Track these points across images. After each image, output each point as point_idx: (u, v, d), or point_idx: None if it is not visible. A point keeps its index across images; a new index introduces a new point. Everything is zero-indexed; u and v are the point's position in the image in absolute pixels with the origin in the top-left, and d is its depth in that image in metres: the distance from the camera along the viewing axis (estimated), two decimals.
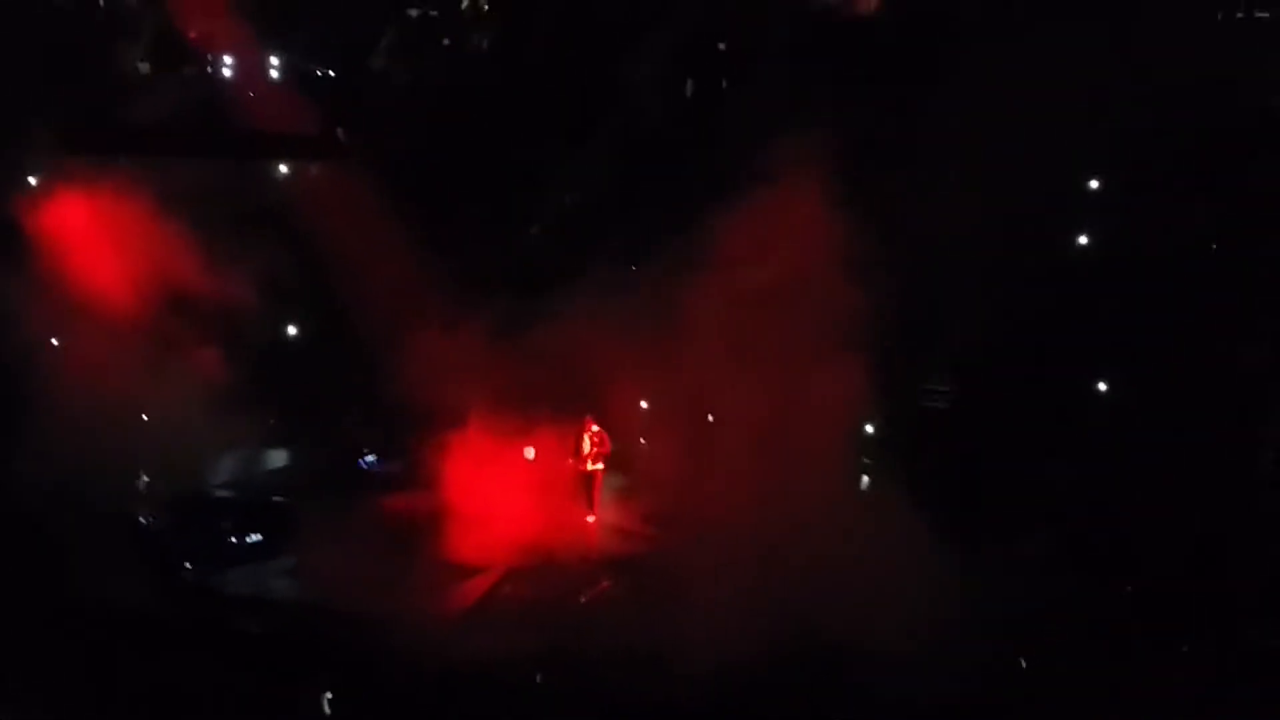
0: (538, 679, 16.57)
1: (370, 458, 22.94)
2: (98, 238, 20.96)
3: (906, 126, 20.82)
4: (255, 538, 19.88)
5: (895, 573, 17.10)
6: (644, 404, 22.18)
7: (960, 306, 20.63)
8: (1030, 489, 19.85)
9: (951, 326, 20.77)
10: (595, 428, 21.39)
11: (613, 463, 22.14)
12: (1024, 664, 16.75)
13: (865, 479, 21.05)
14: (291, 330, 24.04)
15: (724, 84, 22.87)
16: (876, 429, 21.00)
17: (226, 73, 23.56)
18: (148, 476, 21.34)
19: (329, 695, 15.92)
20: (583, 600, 18.62)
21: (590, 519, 21.45)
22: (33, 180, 21.74)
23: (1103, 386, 21.35)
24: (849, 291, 19.40)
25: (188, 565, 19.28)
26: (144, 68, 23.71)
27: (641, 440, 21.91)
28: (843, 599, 16.79)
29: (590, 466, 21.47)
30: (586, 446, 21.38)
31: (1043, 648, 16.86)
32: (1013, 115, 19.87)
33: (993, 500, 19.49)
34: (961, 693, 15.83)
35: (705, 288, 20.03)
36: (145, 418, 21.44)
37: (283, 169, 24.25)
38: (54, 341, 21.09)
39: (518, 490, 20.76)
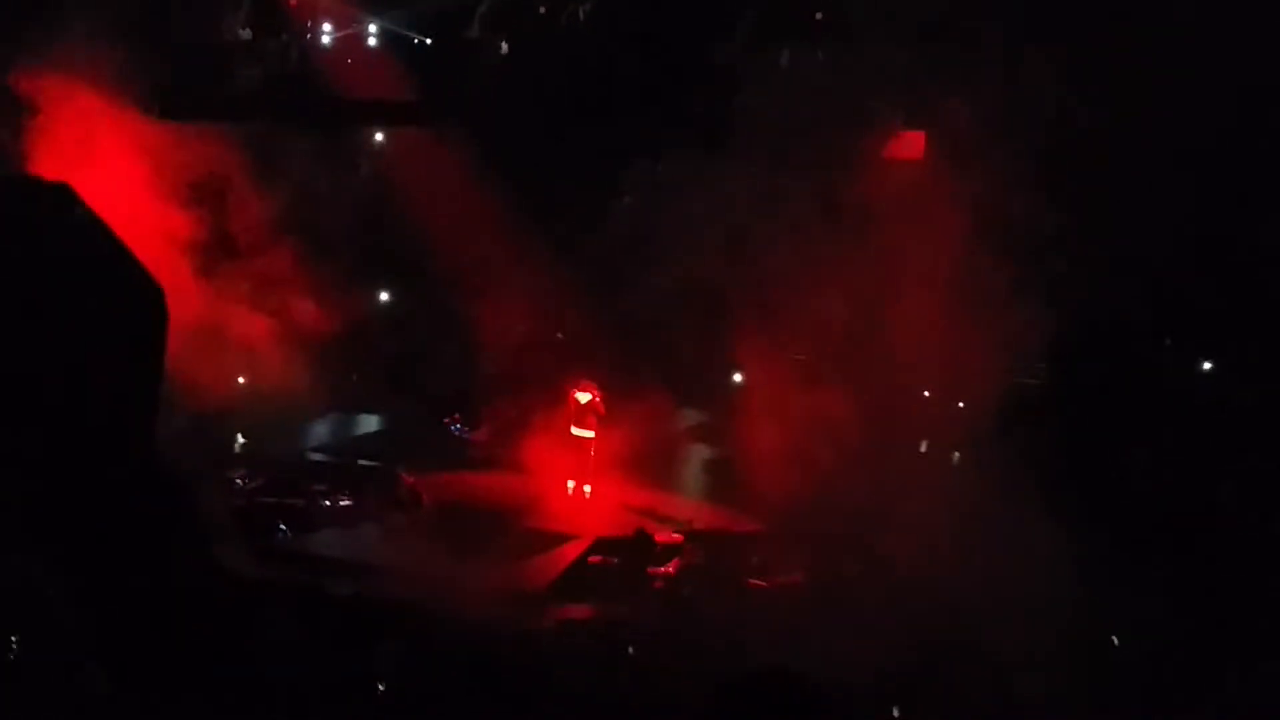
0: (629, 651, 16.59)
1: (462, 425, 23.13)
2: (192, 199, 21.13)
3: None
4: (346, 501, 20.08)
5: (975, 552, 16.97)
6: (737, 377, 22.20)
7: (1058, 284, 20.27)
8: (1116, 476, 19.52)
9: (1049, 303, 20.36)
10: (584, 395, 21.18)
11: (704, 436, 22.20)
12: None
13: (956, 454, 20.89)
14: (385, 296, 24.27)
15: (820, 54, 22.60)
16: (968, 404, 20.76)
17: (325, 40, 23.70)
18: (244, 438, 21.64)
19: (412, 660, 15.99)
20: (668, 572, 18.61)
21: (577, 488, 21.18)
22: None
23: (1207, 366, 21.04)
24: (945, 267, 19.33)
25: (282, 527, 19.47)
26: (245, 34, 23.83)
27: (732, 413, 21.85)
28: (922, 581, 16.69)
29: (579, 432, 21.22)
30: (578, 411, 21.18)
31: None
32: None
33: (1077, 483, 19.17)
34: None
35: (798, 263, 20.00)
36: (241, 380, 21.71)
37: (379, 136, 24.42)
38: None
39: (604, 459, 20.89)
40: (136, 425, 16.81)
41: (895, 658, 15.66)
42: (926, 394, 20.93)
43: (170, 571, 15.96)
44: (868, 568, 17.85)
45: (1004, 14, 20.84)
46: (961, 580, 16.67)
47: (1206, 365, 21.24)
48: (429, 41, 23.70)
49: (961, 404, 20.75)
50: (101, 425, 16.43)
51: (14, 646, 14.23)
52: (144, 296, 17.34)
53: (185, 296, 21.01)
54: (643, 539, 18.95)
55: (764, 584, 18.30)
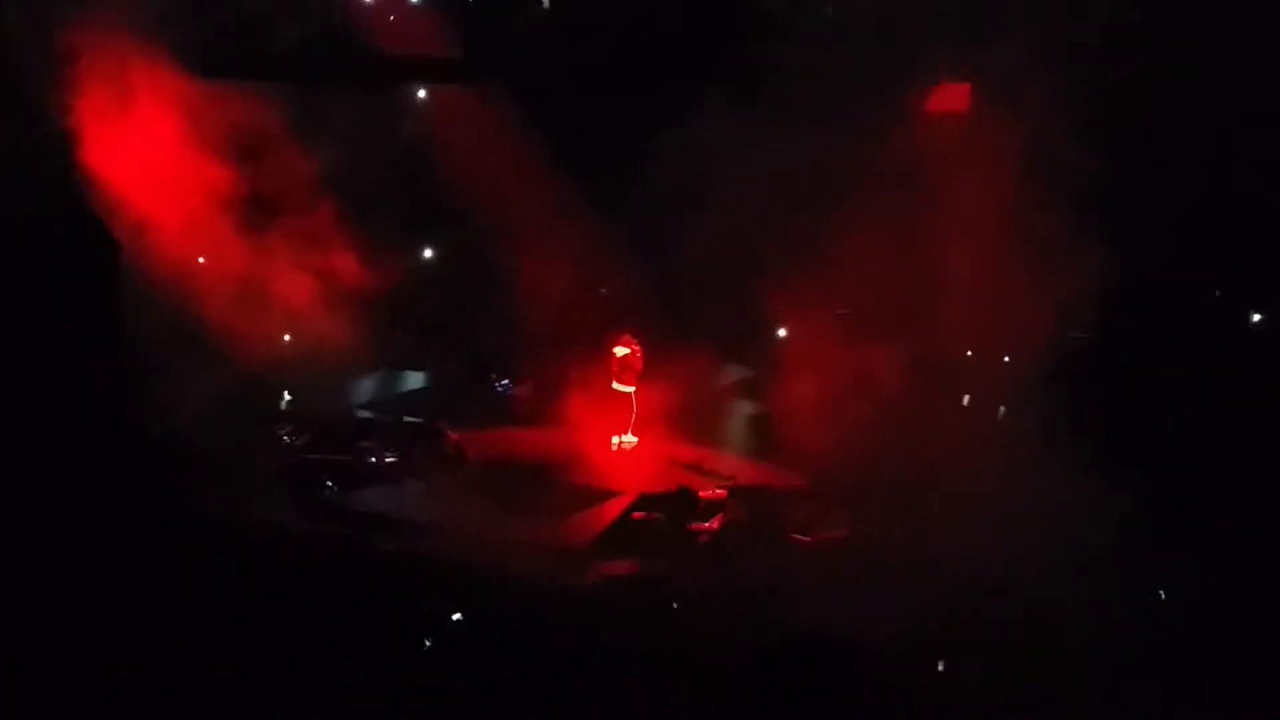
0: (673, 606, 16.65)
1: (505, 381, 23.24)
2: (238, 157, 21.23)
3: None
4: (392, 458, 20.23)
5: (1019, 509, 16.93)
6: (781, 332, 22.18)
7: (1106, 237, 20.02)
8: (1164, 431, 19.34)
9: (1097, 256, 20.13)
10: (625, 351, 21.20)
11: (747, 391, 22.23)
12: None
13: (1001, 409, 20.80)
14: (428, 253, 24.37)
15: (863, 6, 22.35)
16: (1014, 359, 20.60)
17: None
18: (290, 396, 21.84)
19: (458, 615, 16.11)
20: (712, 528, 18.64)
21: (620, 442, 21.31)
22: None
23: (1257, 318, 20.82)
24: (989, 221, 19.22)
25: (329, 484, 19.63)
26: None
27: (776, 369, 21.85)
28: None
29: (620, 387, 21.26)
30: (620, 367, 21.25)
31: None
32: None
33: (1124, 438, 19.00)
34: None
35: (842, 218, 19.94)
36: (287, 338, 21.88)
37: (421, 94, 24.43)
38: (200, 260, 21.46)
39: (647, 414, 20.96)
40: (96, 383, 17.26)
41: (938, 615, 15.68)
42: (970, 350, 20.87)
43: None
44: (911, 524, 17.82)
45: None
46: (1005, 537, 16.62)
47: (1256, 317, 21.01)
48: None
49: (1007, 359, 20.64)
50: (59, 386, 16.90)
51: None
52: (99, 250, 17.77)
53: (230, 254, 21.30)
54: (686, 495, 18.98)
55: (807, 540, 18.30)
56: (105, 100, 20.30)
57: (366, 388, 23.28)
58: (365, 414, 22.20)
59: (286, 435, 20.55)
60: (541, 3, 23.75)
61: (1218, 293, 21.42)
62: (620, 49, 22.91)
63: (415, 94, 24.55)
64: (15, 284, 17.64)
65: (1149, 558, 16.83)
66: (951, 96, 21.61)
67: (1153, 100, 20.11)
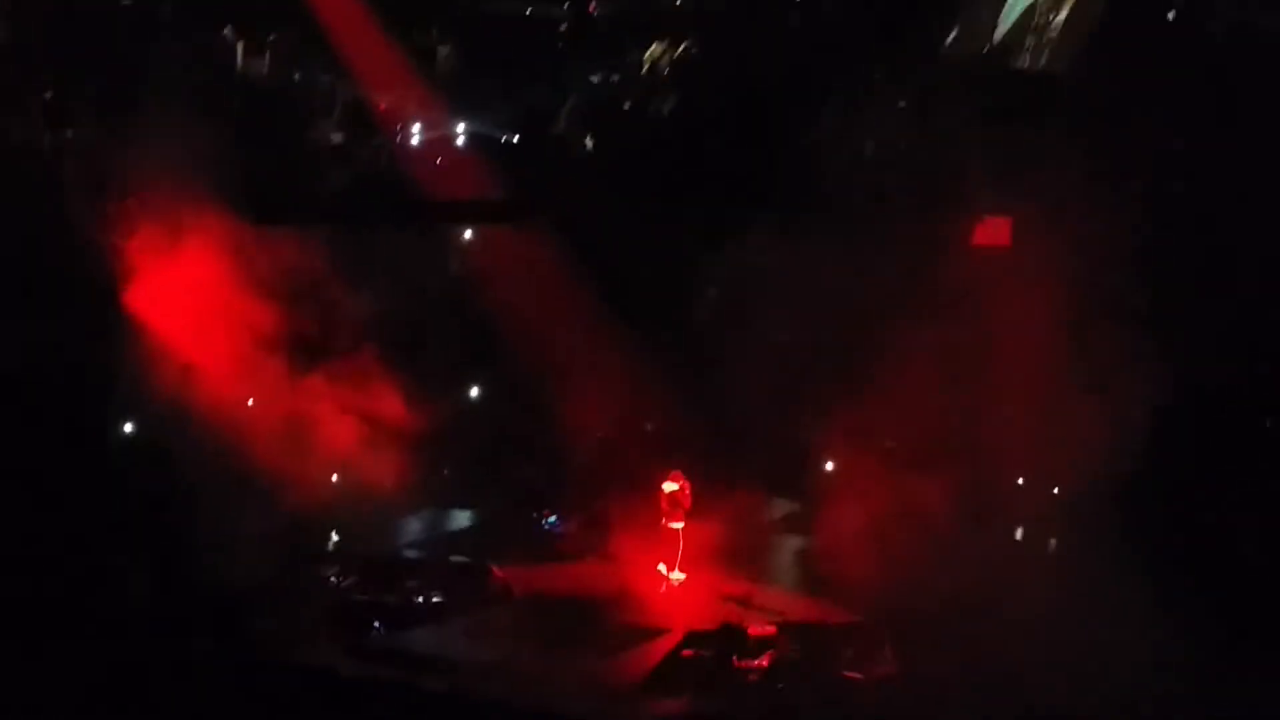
0: None
1: (552, 518, 23.17)
2: (285, 299, 21.50)
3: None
4: (439, 598, 20.14)
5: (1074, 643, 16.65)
6: (829, 464, 22.07)
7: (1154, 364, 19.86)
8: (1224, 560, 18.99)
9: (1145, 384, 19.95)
10: (672, 486, 21.09)
11: (795, 525, 22.07)
12: None
13: (1053, 541, 20.55)
14: (474, 390, 24.48)
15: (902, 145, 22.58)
16: (1064, 489, 20.37)
17: (414, 142, 24.18)
18: (338, 536, 21.82)
19: None
20: (761, 666, 18.38)
21: (668, 578, 21.05)
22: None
23: None
24: (1035, 352, 19.15)
25: (376, 625, 19.55)
26: (336, 138, 24.39)
27: (824, 502, 21.73)
28: None
29: (668, 523, 21.07)
30: (667, 502, 21.11)
31: None
32: None
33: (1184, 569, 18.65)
34: None
35: (887, 349, 19.94)
36: (334, 479, 21.91)
37: (467, 234, 24.78)
38: (249, 402, 21.63)
39: (694, 550, 20.81)
40: None
41: None
42: (1020, 480, 20.68)
43: None
44: (962, 660, 17.51)
45: (1086, 94, 20.87)
46: (1060, 672, 16.32)
47: None
48: (515, 140, 24.11)
49: (1057, 489, 20.43)
50: None
51: None
52: None
53: (277, 396, 21.45)
54: (734, 631, 18.75)
55: (858, 677, 18.00)
56: (156, 245, 20.71)
57: (413, 527, 23.24)
58: (412, 553, 22.15)
59: (333, 576, 20.51)
60: (584, 143, 24.13)
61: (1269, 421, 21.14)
62: (662, 183, 23.15)
63: (461, 234, 24.88)
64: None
65: (1213, 687, 16.49)
66: (994, 230, 21.69)
67: (1199, 224, 20.12)
